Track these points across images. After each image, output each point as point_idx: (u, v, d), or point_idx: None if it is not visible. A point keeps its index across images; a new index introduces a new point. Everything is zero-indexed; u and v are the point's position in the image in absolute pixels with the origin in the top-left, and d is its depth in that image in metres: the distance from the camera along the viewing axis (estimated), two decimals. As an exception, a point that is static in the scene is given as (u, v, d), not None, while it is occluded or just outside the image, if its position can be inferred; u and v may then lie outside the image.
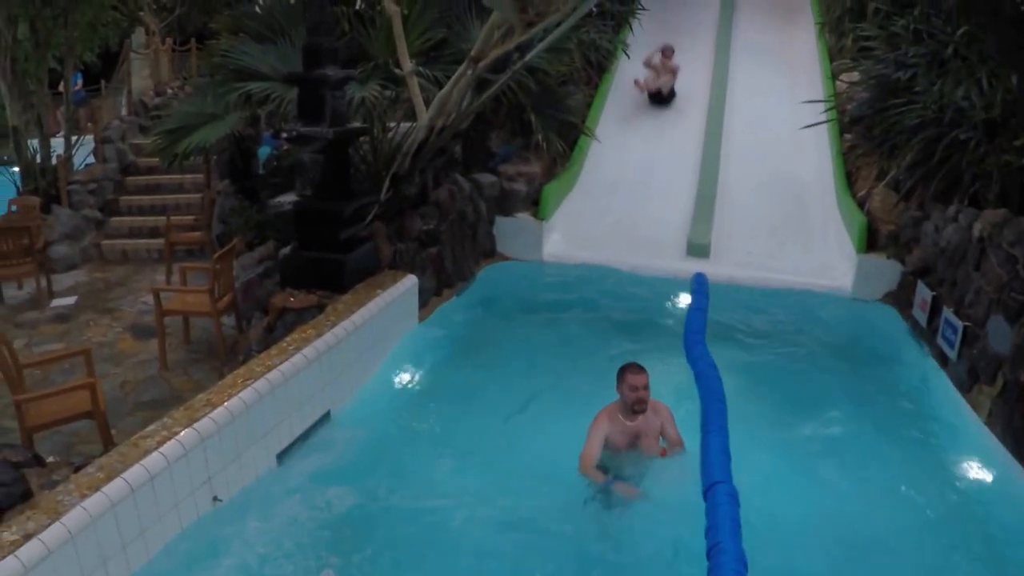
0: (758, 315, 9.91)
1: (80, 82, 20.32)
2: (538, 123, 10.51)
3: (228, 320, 9.32)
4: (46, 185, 13.78)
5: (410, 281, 8.71)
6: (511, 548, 5.54)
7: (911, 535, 5.87)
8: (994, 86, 9.05)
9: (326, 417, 7.02)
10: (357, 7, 10.19)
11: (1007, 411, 6.80)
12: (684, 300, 10.32)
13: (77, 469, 5.07)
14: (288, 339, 6.92)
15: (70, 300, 11.20)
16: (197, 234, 12.71)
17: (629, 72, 15.29)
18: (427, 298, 9.40)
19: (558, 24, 8.45)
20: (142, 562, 4.99)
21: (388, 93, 9.19)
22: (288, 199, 9.25)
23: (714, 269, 10.90)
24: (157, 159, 11.41)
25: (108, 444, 6.55)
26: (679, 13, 17.92)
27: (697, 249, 11.46)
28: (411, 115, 9.31)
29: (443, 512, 5.84)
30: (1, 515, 4.60)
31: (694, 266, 11.01)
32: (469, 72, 8.52)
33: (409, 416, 7.32)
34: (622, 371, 6.08)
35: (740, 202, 12.59)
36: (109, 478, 4.82)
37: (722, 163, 13.36)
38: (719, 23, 17.63)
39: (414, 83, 8.78)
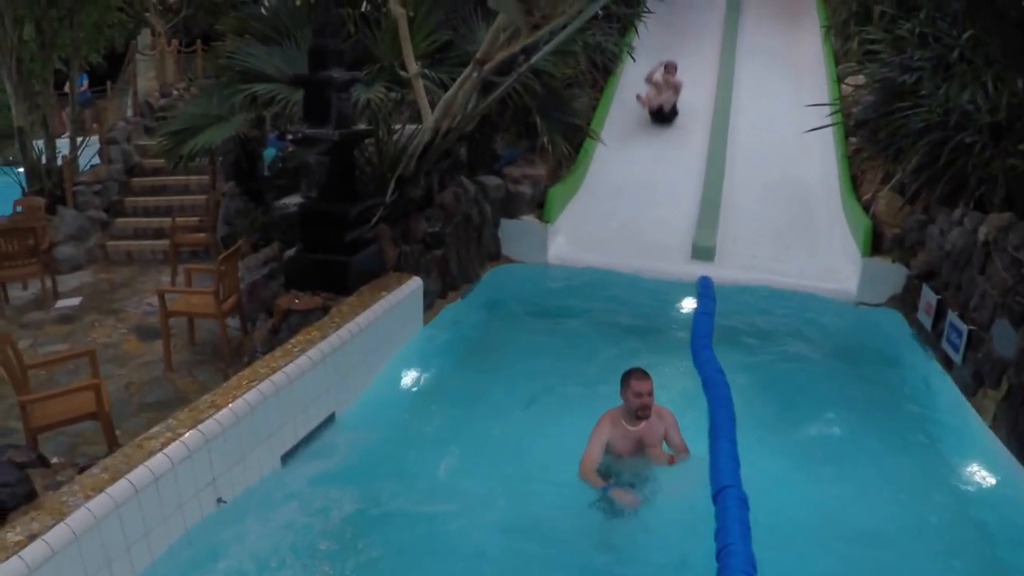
0: (763, 318, 9.89)
1: (86, 83, 20.31)
2: (543, 126, 10.50)
3: (233, 322, 9.34)
4: (51, 186, 13.80)
5: (415, 283, 8.71)
6: (513, 553, 5.54)
7: (916, 538, 5.86)
8: (1000, 89, 9.04)
9: (330, 419, 7.02)
10: (363, 9, 10.20)
11: (1012, 415, 6.79)
12: (689, 303, 10.32)
13: (82, 470, 5.07)
14: (293, 341, 6.92)
15: (75, 301, 11.21)
16: (202, 235, 12.71)
17: (635, 75, 15.26)
18: (432, 300, 9.40)
19: (564, 27, 8.46)
20: (146, 563, 4.99)
21: (393, 95, 9.21)
22: (293, 201, 9.26)
23: (719, 272, 10.90)
24: (162, 160, 11.45)
25: (113, 445, 6.55)
26: (684, 16, 17.92)
27: (702, 252, 11.44)
28: (416, 117, 9.31)
29: (446, 515, 5.84)
30: (5, 516, 4.60)
31: (699, 269, 11.01)
32: (475, 74, 8.52)
33: (413, 418, 7.32)
34: (626, 376, 6.06)
35: (745, 205, 12.57)
36: (113, 479, 4.82)
37: (727, 166, 13.34)
38: (724, 26, 17.61)
39: (419, 85, 8.78)
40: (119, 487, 4.78)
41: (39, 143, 14.31)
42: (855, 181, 11.85)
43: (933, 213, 9.58)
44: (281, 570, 5.21)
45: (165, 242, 12.87)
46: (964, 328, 7.89)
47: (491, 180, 11.44)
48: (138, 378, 8.68)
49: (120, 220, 14.29)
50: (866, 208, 10.93)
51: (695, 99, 14.99)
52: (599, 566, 5.44)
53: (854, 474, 6.57)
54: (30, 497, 4.79)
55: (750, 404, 7.32)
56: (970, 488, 6.62)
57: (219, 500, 5.62)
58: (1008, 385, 6.96)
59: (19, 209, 13.21)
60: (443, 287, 9.86)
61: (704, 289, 10.33)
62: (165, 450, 5.17)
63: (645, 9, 14.59)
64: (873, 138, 10.73)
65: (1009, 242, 7.55)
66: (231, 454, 5.72)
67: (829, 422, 7.33)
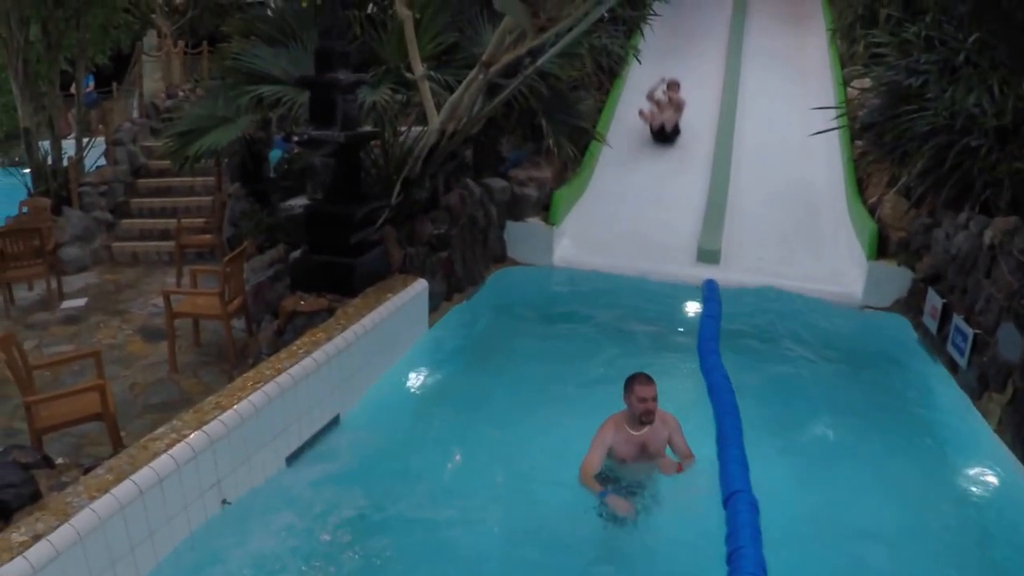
0: (768, 322, 9.87)
1: (92, 84, 20.38)
2: (549, 128, 10.51)
3: (238, 323, 9.34)
4: (57, 187, 13.85)
5: (420, 285, 8.71)
6: (516, 559, 5.53)
7: (921, 541, 5.85)
8: (1006, 93, 9.02)
9: (335, 421, 7.02)
10: (369, 11, 10.20)
11: (1017, 419, 6.78)
12: (694, 306, 10.32)
13: (86, 471, 5.07)
14: (298, 342, 6.93)
15: (80, 302, 11.23)
16: (208, 237, 12.74)
17: (640, 77, 15.24)
18: (437, 302, 9.39)
19: (570, 29, 8.45)
20: (151, 565, 4.99)
21: (399, 97, 9.21)
22: (299, 202, 9.26)
23: (724, 275, 10.89)
24: (168, 162, 11.52)
25: (117, 446, 6.56)
26: (691, 19, 17.90)
27: (707, 255, 11.43)
28: (422, 119, 9.32)
29: (449, 518, 5.83)
30: (10, 516, 4.61)
31: (704, 272, 11.01)
32: (480, 77, 8.52)
33: (418, 421, 7.32)
34: (630, 381, 6.00)
35: (750, 208, 12.56)
36: (118, 480, 4.83)
37: (733, 169, 13.33)
38: (731, 28, 17.59)
39: (425, 87, 8.79)
40: (124, 488, 4.79)
41: (45, 144, 14.37)
42: (861, 184, 11.84)
43: (939, 217, 9.57)
44: (283, 572, 5.21)
45: (170, 243, 12.91)
46: (969, 332, 7.88)
47: (497, 182, 11.44)
48: (143, 379, 8.69)
49: (126, 221, 14.32)
50: (872, 211, 10.92)
51: (701, 102, 14.95)
52: (603, 573, 5.42)
53: (857, 477, 6.56)
54: (35, 498, 4.80)
55: (755, 408, 7.31)
56: (976, 492, 6.61)
57: (224, 501, 5.63)
58: (1013, 389, 6.95)
59: (25, 210, 13.27)
60: (448, 289, 9.85)
61: (709, 292, 10.32)
62: (170, 451, 5.17)
63: (651, 12, 14.58)
64: (879, 141, 10.71)
65: (1015, 246, 7.54)
66: (236, 455, 5.73)
67: (833, 425, 7.31)
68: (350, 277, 8.18)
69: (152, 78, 18.68)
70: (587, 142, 12.76)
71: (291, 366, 6.41)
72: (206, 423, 5.52)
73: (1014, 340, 7.03)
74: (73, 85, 15.97)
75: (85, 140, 15.29)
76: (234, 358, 8.71)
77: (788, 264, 11.32)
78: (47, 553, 4.23)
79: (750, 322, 9.76)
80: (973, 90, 9.20)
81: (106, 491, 4.71)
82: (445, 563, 5.49)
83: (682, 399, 7.30)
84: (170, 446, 5.22)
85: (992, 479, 6.69)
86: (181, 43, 19.46)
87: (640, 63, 15.03)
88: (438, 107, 8.87)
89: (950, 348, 8.34)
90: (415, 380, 8.12)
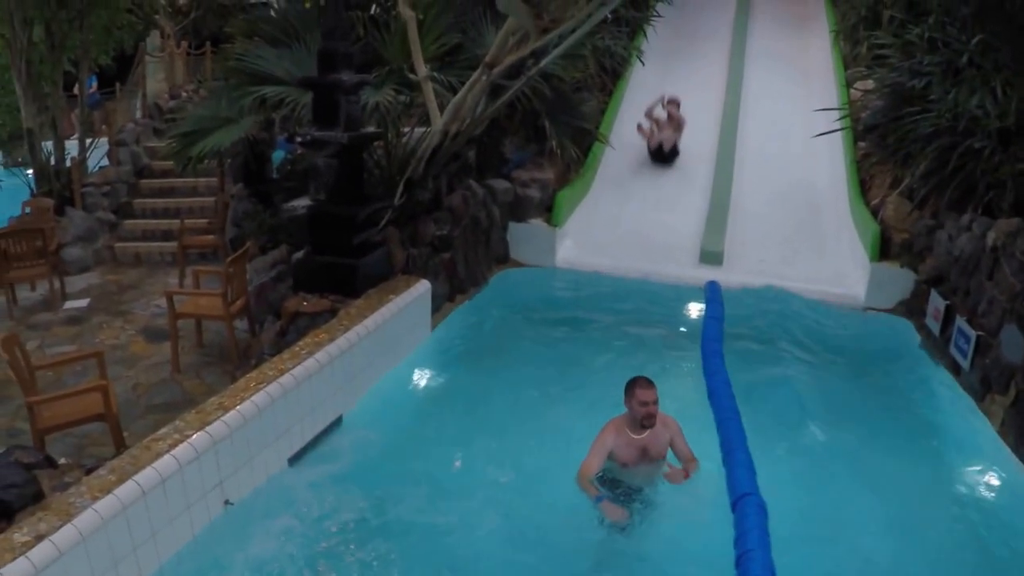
0: (771, 323, 9.86)
1: (95, 85, 20.39)
2: (552, 129, 10.51)
3: (241, 324, 9.34)
4: (60, 187, 13.85)
5: (423, 286, 8.70)
6: (516, 563, 5.52)
7: (923, 543, 5.85)
8: (1008, 95, 9.02)
9: (338, 421, 7.03)
10: (372, 12, 10.21)
11: (1020, 420, 6.78)
12: (697, 308, 10.31)
13: (89, 471, 5.07)
14: (301, 343, 6.93)
15: (83, 302, 11.24)
16: (210, 237, 12.74)
17: (643, 79, 15.24)
18: (440, 303, 9.40)
19: (573, 30, 8.46)
20: (153, 565, 4.99)
21: (402, 98, 9.21)
22: (302, 203, 9.23)
23: (727, 277, 10.87)
24: (171, 162, 11.49)
25: (120, 446, 6.56)
26: (694, 20, 17.91)
27: (710, 257, 11.43)
28: (425, 120, 9.31)
29: (450, 520, 5.83)
30: (13, 516, 4.61)
31: (707, 273, 11.00)
32: (484, 78, 8.52)
33: (420, 422, 7.32)
34: (631, 385, 5.97)
35: (753, 210, 12.56)
36: (121, 480, 4.83)
37: (736, 170, 13.33)
38: (734, 30, 17.60)
39: (429, 88, 8.79)
40: (126, 488, 4.79)
41: (48, 144, 14.37)
42: (864, 186, 11.84)
43: (942, 218, 9.57)
44: (285, 573, 5.21)
45: (173, 244, 12.91)
46: (972, 333, 7.87)
47: (499, 183, 11.45)
48: (146, 380, 8.70)
49: (128, 222, 14.33)
50: (874, 213, 10.92)
51: (703, 103, 14.95)
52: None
53: (860, 479, 6.55)
54: (37, 498, 4.80)
55: (757, 410, 7.30)
56: (979, 494, 6.60)
57: (226, 502, 5.63)
58: (1016, 391, 6.95)
59: (28, 210, 13.27)
60: (451, 290, 9.86)
61: (712, 294, 10.30)
62: (172, 452, 5.17)
63: (654, 13, 14.58)
64: (882, 143, 10.72)
65: (1017, 247, 7.54)
66: (238, 456, 5.73)
67: (835, 427, 7.30)
68: (353, 278, 8.18)
69: (155, 79, 18.66)
70: (590, 143, 12.75)
71: (294, 367, 6.41)
72: (209, 423, 5.52)
73: (1017, 342, 7.03)
74: (76, 86, 15.95)
75: (88, 141, 15.30)
76: (237, 359, 8.72)
77: (791, 265, 11.31)
78: (49, 553, 4.23)
79: (752, 324, 9.75)
80: (976, 92, 9.20)
81: (109, 491, 4.71)
82: (446, 564, 5.48)
83: (685, 401, 7.30)
84: (173, 446, 5.22)
85: (995, 481, 6.69)
86: (184, 44, 19.44)
87: (643, 64, 15.01)
88: (441, 108, 8.87)
89: (953, 350, 8.33)
90: (417, 381, 8.12)
